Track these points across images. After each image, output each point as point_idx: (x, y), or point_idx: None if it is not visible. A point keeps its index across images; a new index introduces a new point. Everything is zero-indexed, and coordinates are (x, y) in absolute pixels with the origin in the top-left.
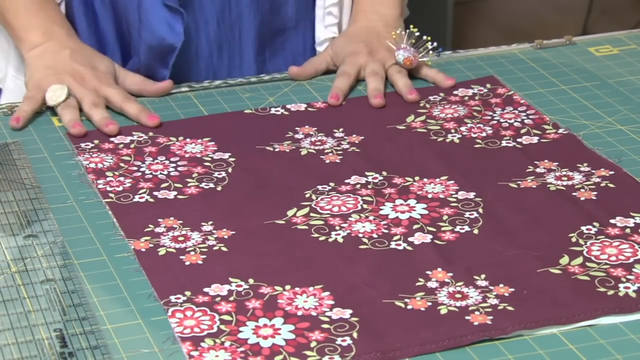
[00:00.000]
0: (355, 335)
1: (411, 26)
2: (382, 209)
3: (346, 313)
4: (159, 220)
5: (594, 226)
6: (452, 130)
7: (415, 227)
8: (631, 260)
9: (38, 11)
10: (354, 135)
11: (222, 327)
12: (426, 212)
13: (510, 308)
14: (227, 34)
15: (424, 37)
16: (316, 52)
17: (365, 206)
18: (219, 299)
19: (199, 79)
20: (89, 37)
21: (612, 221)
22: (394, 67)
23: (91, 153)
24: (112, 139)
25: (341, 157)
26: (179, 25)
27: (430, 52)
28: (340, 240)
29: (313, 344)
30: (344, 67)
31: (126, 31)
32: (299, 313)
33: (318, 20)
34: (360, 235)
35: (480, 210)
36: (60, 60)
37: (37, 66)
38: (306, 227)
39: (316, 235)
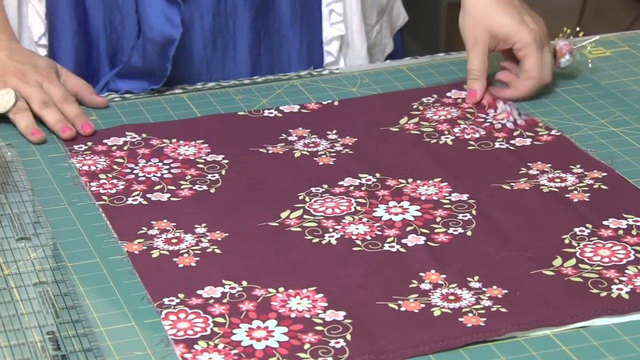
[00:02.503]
0: (348, 337)
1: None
2: (375, 211)
3: (340, 315)
4: (152, 222)
5: (587, 228)
6: (446, 132)
7: (408, 228)
8: (624, 261)
9: None
10: (348, 137)
11: (216, 329)
12: (419, 213)
13: (503, 310)
14: (221, 27)
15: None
16: (323, 51)
17: (358, 208)
18: (212, 301)
19: (192, 72)
20: (77, 33)
21: (605, 223)
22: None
23: (84, 155)
24: (105, 141)
25: (334, 159)
26: (176, 17)
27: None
28: (333, 242)
29: (306, 346)
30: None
31: (119, 26)
32: (293, 315)
33: (324, 18)
34: (354, 237)
35: (474, 212)
36: None
37: None
38: (299, 229)
39: (310, 237)
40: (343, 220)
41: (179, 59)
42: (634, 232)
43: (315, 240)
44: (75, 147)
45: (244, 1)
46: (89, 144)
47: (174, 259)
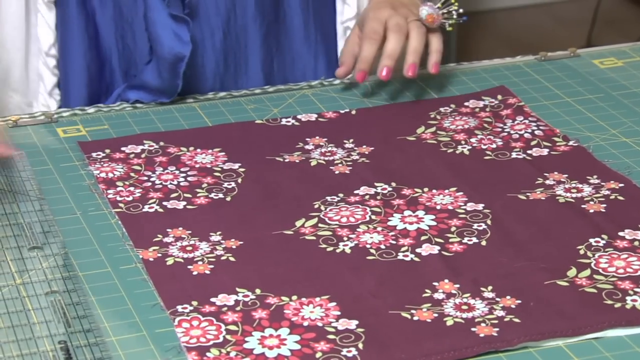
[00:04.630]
0: (360, 346)
1: None
2: (390, 220)
3: (352, 324)
4: (168, 230)
5: (603, 238)
6: (462, 142)
7: (423, 238)
8: (639, 272)
9: None
10: (364, 146)
11: (228, 337)
12: (434, 223)
13: (516, 320)
14: (233, 44)
15: (452, 1)
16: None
17: (373, 217)
18: (225, 308)
19: (206, 89)
20: (89, 50)
21: (620, 234)
22: (414, 22)
23: (102, 163)
24: (123, 149)
25: (351, 167)
26: (185, 34)
27: (455, 17)
28: (347, 251)
29: (318, 355)
30: (368, 26)
31: (131, 42)
32: (305, 323)
33: (339, 35)
34: (368, 246)
35: (489, 222)
36: None
37: None
38: (314, 238)
39: (324, 245)
40: (358, 229)
41: (192, 76)
42: None
43: (330, 249)
44: (94, 154)
45: (254, 19)
46: (107, 151)
47: (189, 267)
